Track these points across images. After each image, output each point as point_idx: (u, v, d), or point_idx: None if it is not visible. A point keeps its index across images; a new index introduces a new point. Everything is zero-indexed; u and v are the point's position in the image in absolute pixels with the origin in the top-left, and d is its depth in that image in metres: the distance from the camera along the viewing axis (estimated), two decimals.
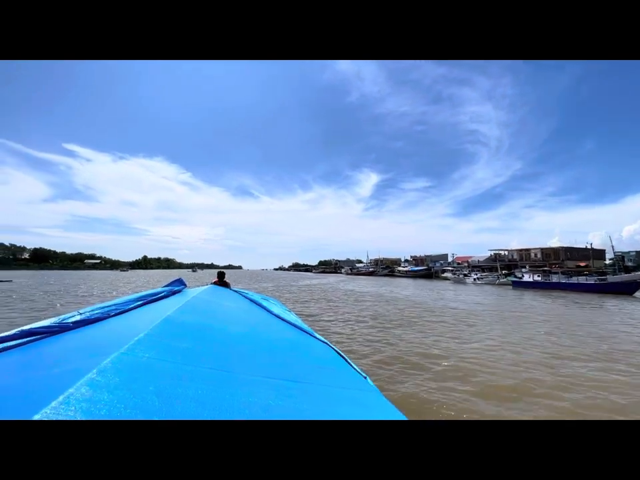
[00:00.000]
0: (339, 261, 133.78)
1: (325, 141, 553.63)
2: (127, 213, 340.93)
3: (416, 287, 30.23)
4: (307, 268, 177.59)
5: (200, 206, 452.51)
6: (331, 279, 52.50)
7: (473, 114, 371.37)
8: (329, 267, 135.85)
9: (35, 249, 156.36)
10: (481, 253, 62.00)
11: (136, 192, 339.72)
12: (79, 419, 0.59)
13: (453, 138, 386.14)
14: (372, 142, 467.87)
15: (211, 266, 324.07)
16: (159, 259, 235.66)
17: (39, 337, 1.34)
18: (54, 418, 0.57)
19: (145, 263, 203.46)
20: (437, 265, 64.51)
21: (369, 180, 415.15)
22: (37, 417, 0.57)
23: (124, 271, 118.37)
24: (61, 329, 1.45)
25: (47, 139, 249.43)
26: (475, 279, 39.47)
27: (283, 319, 2.58)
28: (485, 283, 37.02)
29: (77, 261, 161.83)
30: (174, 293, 2.70)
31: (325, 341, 2.14)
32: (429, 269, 61.61)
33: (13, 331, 1.31)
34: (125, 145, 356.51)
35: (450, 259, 71.27)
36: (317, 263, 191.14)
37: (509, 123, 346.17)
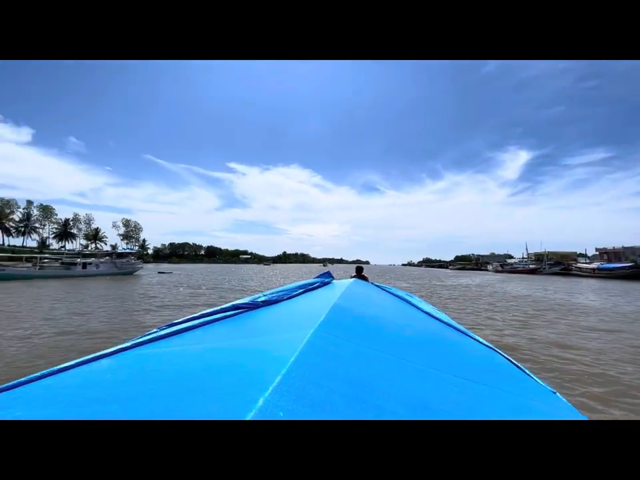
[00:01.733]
0: (481, 255, 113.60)
1: (456, 122, 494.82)
2: (272, 215, 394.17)
3: None
4: (440, 264, 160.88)
5: (330, 205, 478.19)
6: (480, 277, 41.90)
7: None
8: (468, 262, 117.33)
9: (208, 247, 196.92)
10: None
11: (278, 197, 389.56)
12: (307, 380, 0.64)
13: None
14: (517, 114, 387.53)
15: (340, 261, 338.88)
16: (296, 254, 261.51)
17: (241, 310, 1.71)
18: (285, 385, 0.61)
19: (284, 258, 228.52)
20: None
21: (516, 159, 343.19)
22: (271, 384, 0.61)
23: (266, 264, 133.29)
24: (255, 306, 1.79)
25: (217, 160, 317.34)
26: None
27: (434, 317, 2.35)
28: None
29: (234, 256, 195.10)
30: (325, 284, 2.91)
31: (490, 345, 1.91)
32: (638, 266, 42.14)
33: (228, 305, 1.75)
34: (268, 157, 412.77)
35: None
36: (452, 258, 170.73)
37: None
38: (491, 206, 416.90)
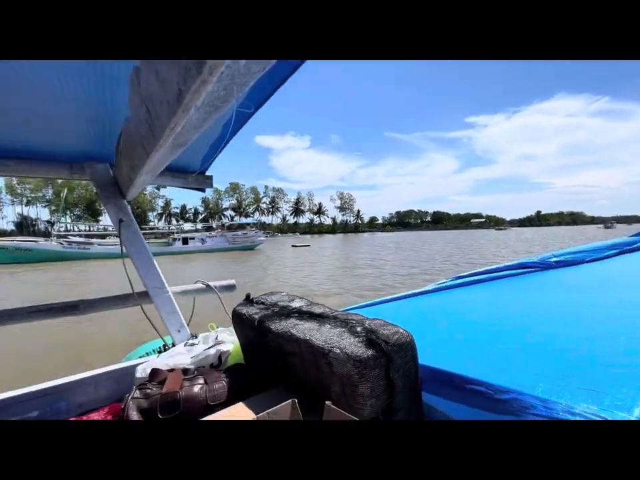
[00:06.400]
0: None
1: None
2: (525, 168, 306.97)
3: None
4: None
5: (625, 137, 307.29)
6: None
7: None
8: None
9: (434, 212, 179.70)
10: None
11: (534, 143, 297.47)
12: None
13: None
14: None
15: None
16: (560, 213, 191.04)
17: (531, 269, 1.64)
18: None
19: (538, 220, 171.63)
20: None
21: None
22: None
23: (499, 229, 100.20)
24: (546, 266, 1.67)
25: (453, 118, 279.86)
26: None
27: None
28: None
29: (464, 221, 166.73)
30: None
31: None
32: None
33: (513, 263, 1.68)
34: (517, 96, 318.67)
35: None
36: None
37: None
38: None
